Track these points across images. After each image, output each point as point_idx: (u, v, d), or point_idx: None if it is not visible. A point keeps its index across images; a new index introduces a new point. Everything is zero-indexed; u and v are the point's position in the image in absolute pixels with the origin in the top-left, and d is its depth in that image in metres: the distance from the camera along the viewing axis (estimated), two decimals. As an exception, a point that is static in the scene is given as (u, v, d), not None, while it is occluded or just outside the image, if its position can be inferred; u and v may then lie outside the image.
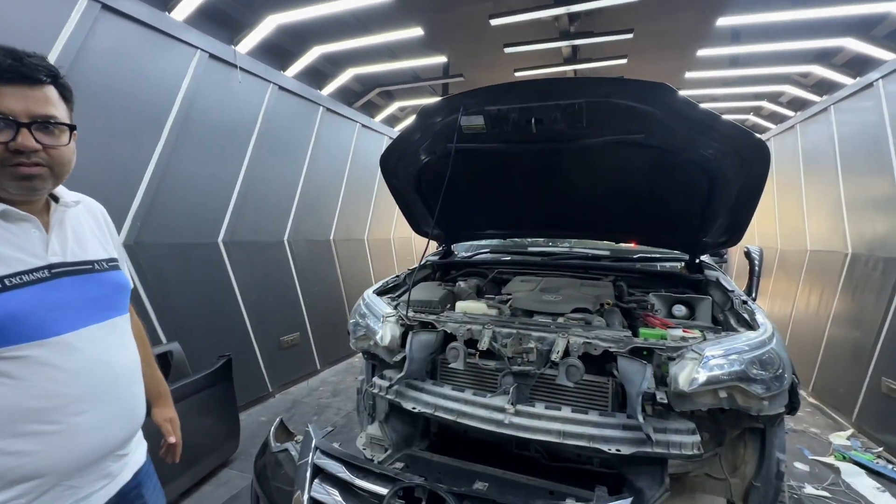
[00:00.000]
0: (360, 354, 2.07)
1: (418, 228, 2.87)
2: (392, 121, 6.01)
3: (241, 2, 3.23)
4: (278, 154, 3.94)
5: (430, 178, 2.31)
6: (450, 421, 1.59)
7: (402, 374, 1.65)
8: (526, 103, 1.66)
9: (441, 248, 3.17)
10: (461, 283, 2.58)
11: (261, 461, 1.57)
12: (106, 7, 2.52)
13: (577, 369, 1.56)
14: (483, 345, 1.64)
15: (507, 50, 3.84)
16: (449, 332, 1.78)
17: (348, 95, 4.98)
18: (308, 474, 1.32)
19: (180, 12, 2.93)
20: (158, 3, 2.86)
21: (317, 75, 4.38)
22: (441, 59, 4.04)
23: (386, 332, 1.78)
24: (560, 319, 1.84)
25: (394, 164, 2.28)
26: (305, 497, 1.28)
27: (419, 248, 7.18)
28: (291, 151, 4.13)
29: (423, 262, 2.85)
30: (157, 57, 2.86)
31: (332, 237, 4.78)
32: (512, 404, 1.55)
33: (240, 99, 3.51)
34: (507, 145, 1.93)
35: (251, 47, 3.48)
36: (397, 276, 2.57)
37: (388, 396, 1.66)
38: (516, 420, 1.52)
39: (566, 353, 1.59)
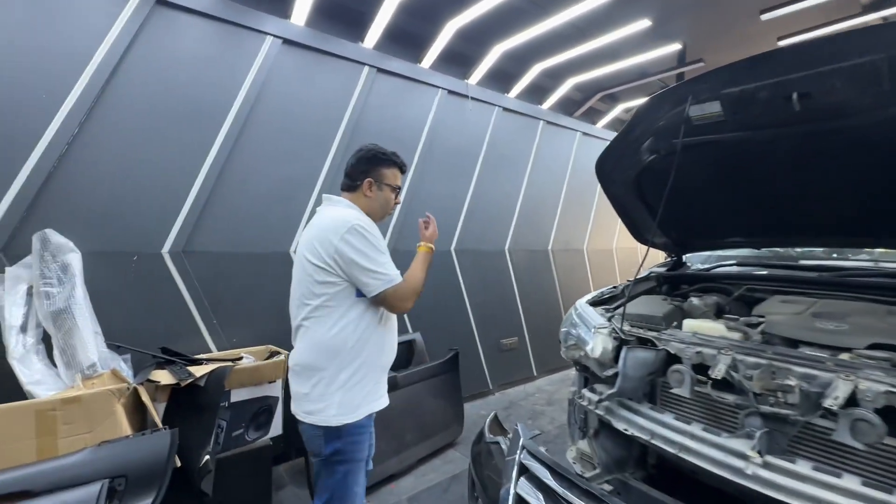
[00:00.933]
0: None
1: (640, 237, 2.62)
2: (617, 124, 5.67)
3: (471, 40, 3.68)
4: (501, 170, 4.28)
5: (653, 180, 2.09)
6: (670, 454, 1.39)
7: (613, 390, 1.54)
8: (782, 76, 1.32)
9: (669, 259, 2.81)
10: (694, 300, 2.22)
11: (476, 448, 1.72)
12: (380, 70, 3.30)
13: (871, 427, 1.12)
14: (717, 372, 1.37)
15: (765, 16, 3.09)
16: (672, 352, 1.56)
17: (568, 105, 4.98)
18: (514, 472, 1.38)
19: (427, 60, 3.56)
20: (411, 57, 3.55)
21: (537, 91, 4.55)
22: (674, 48, 3.59)
23: (597, 344, 1.70)
24: (844, 356, 1.36)
25: (610, 168, 2.16)
26: (511, 492, 1.34)
27: (648, 259, 6.48)
28: (513, 166, 4.41)
29: (647, 274, 2.59)
30: (411, 100, 3.55)
31: (549, 247, 4.85)
32: (759, 453, 1.24)
33: (470, 124, 3.99)
34: (752, 133, 1.57)
35: (479, 78, 3.91)
36: (614, 287, 2.41)
37: (597, 411, 1.57)
38: (765, 474, 1.21)
39: (851, 402, 1.17)
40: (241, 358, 2.24)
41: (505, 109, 4.27)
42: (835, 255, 2.34)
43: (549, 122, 4.72)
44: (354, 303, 1.35)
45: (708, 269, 2.54)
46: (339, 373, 1.33)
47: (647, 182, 2.13)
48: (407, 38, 3.50)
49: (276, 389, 2.25)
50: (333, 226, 1.33)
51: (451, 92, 3.78)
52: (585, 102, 4.88)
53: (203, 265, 2.48)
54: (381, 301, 1.37)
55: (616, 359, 1.67)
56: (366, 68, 3.22)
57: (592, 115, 5.31)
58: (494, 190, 4.21)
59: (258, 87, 2.68)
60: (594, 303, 2.24)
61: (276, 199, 2.78)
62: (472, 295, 3.99)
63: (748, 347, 1.44)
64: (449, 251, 3.87)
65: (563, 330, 2.13)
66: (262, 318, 2.68)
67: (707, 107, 1.52)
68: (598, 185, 5.51)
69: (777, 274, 2.21)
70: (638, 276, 2.58)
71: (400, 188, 1.54)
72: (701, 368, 1.47)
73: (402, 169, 1.54)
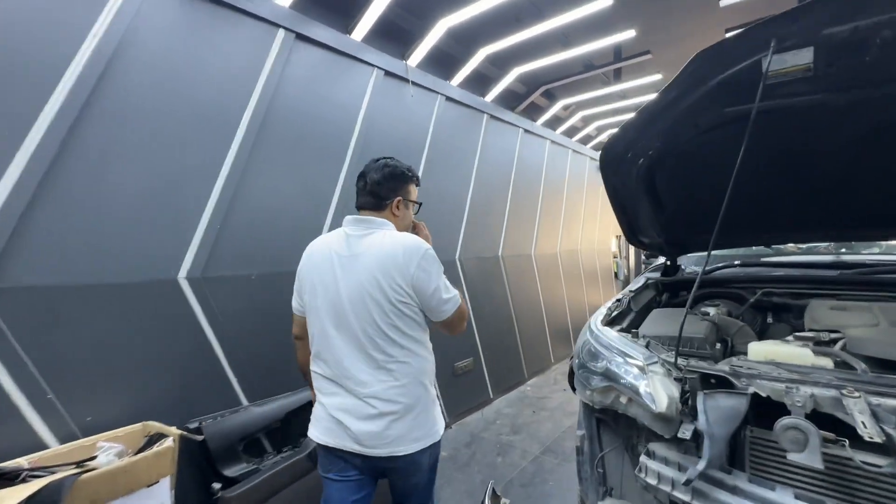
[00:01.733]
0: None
1: (634, 237, 2.24)
2: (554, 123, 5.46)
3: (411, 12, 3.10)
4: (448, 168, 3.74)
5: (674, 166, 1.69)
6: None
7: (704, 462, 1.05)
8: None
9: (660, 263, 2.48)
10: (710, 310, 1.86)
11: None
12: (299, 36, 2.58)
13: None
14: (867, 429, 0.94)
15: (724, 2, 2.98)
16: (764, 395, 1.12)
17: (510, 99, 4.62)
18: None
19: (359, 33, 2.91)
20: (339, 25, 2.87)
21: (481, 81, 4.11)
22: (628, 35, 3.36)
23: (659, 393, 1.20)
24: None
25: (619, 153, 1.73)
26: None
27: (586, 261, 6.40)
28: (459, 164, 3.90)
29: (644, 282, 2.21)
30: (342, 79, 2.86)
31: (500, 253, 4.42)
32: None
33: (412, 114, 3.39)
34: (834, 96, 1.21)
35: (420, 59, 3.35)
36: (618, 301, 1.98)
37: (683, 498, 1.07)
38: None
39: None
40: (93, 457, 1.39)
41: (448, 99, 3.75)
42: (844, 250, 2.17)
43: (493, 117, 4.30)
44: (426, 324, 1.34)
45: (709, 272, 2.23)
46: (431, 390, 1.34)
47: (665, 170, 1.73)
48: (332, 1, 2.83)
49: (160, 495, 1.44)
50: (405, 252, 1.24)
51: (388, 73, 3.16)
52: (528, 96, 4.56)
53: None
54: (448, 324, 1.34)
55: (684, 410, 1.19)
56: (280, 32, 2.48)
57: (532, 112, 5.03)
58: (442, 190, 3.65)
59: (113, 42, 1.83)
60: (606, 323, 1.78)
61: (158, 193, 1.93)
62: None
63: (877, 384, 1.04)
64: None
65: (576, 364, 1.62)
66: (136, 374, 1.81)
67: (794, 56, 1.11)
68: (543, 186, 5.30)
69: (793, 274, 1.93)
70: (642, 284, 2.18)
71: (420, 204, 1.50)
72: (814, 417, 1.05)
73: (420, 184, 1.49)
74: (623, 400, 1.34)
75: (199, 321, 2.04)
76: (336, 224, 2.74)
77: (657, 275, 2.30)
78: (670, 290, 2.23)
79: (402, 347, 1.24)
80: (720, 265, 2.24)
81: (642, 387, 1.24)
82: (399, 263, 1.21)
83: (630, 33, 3.34)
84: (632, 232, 2.16)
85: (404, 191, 1.39)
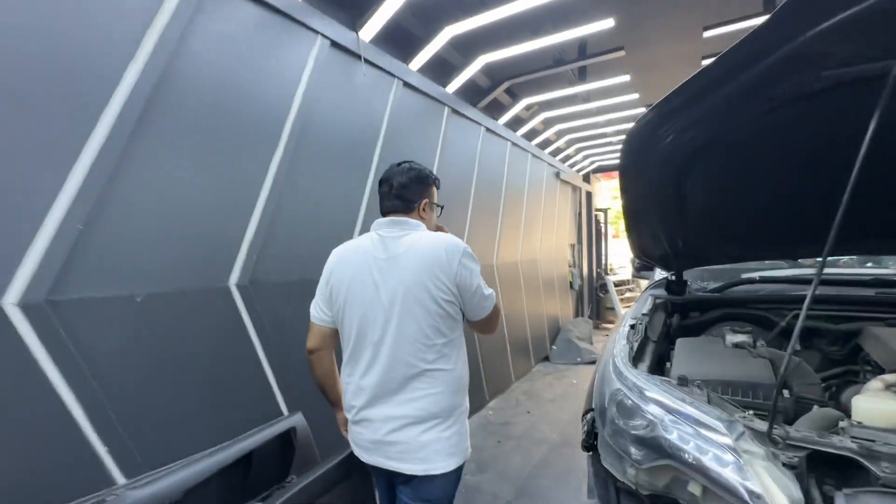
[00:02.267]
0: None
1: (641, 248, 1.86)
2: (515, 124, 5.13)
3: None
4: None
5: (719, 156, 1.32)
6: None
7: None
8: None
9: (660, 279, 2.14)
10: (739, 337, 1.51)
11: None
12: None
13: None
14: None
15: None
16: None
17: (473, 93, 4.21)
18: None
19: (300, -9, 2.34)
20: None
21: (443, 68, 3.65)
22: (606, 24, 3.07)
23: (775, 497, 0.77)
24: None
25: (647, 138, 1.33)
26: None
27: (544, 270, 6.14)
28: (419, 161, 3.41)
29: (651, 301, 1.83)
30: (276, 44, 2.26)
31: None
32: None
33: (363, 98, 2.85)
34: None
35: (374, 34, 2.83)
36: (632, 328, 1.57)
37: None
38: None
39: None
40: None
41: (407, 85, 3.25)
42: (869, 265, 1.94)
43: (455, 111, 3.86)
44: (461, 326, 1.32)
45: (721, 289, 1.91)
46: (466, 401, 1.32)
47: (704, 162, 1.35)
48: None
49: None
50: (447, 250, 1.22)
51: (335, 44, 2.60)
52: (492, 91, 4.18)
53: None
54: (486, 322, 1.34)
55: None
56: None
57: (493, 111, 4.66)
58: (450, 201, 3.14)
59: None
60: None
61: None
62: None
63: None
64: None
65: (599, 421, 1.18)
66: None
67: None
68: (505, 191, 4.93)
69: (829, 294, 1.64)
70: (651, 307, 1.81)
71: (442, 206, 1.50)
72: None
73: (439, 186, 1.47)
74: (695, 490, 0.90)
75: (247, 329, 2.01)
76: (267, 220, 2.13)
77: (661, 291, 1.94)
78: (680, 311, 1.88)
79: (441, 354, 1.23)
80: (734, 282, 1.92)
81: (742, 481, 0.81)
82: (442, 261, 1.20)
83: (608, 23, 3.05)
84: (640, 238, 1.78)
85: (429, 193, 1.39)
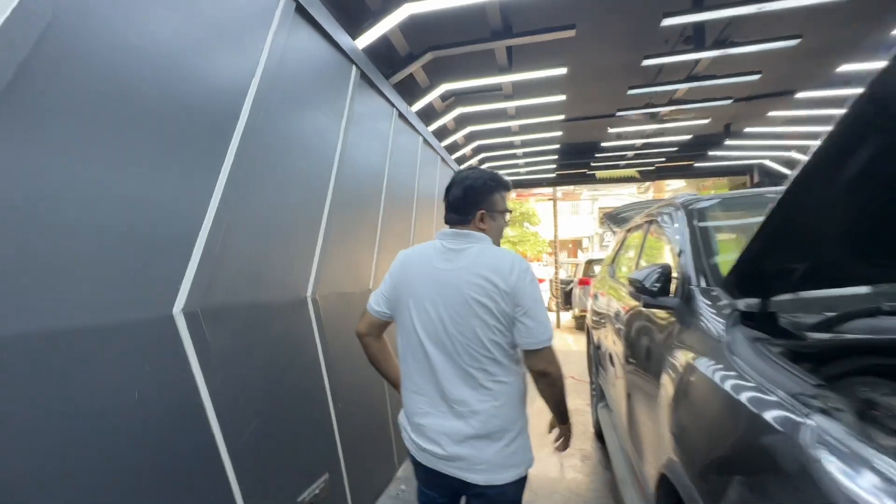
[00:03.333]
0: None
1: (750, 263, 1.11)
2: (425, 118, 4.28)
3: None
4: (297, 146, 2.11)
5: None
6: None
7: None
8: None
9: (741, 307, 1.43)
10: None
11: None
12: None
13: None
14: None
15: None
16: None
17: (386, 60, 3.24)
18: None
19: None
20: None
21: (354, 11, 2.61)
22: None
23: None
24: None
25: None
26: None
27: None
28: (317, 145, 2.29)
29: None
30: None
31: (371, 286, 2.89)
32: None
33: (221, 21, 1.67)
34: None
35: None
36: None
37: None
38: None
39: None
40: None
41: (302, 14, 2.14)
42: None
43: (365, 77, 2.84)
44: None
45: (833, 324, 1.25)
46: (525, 414, 1.33)
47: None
48: None
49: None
50: (509, 262, 1.24)
51: None
52: (412, 62, 3.26)
53: None
54: (543, 359, 1.26)
55: None
56: None
57: (406, 92, 3.74)
58: (286, 183, 1.99)
59: None
60: None
61: None
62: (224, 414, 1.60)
63: None
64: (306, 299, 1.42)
65: None
66: None
67: None
68: (416, 197, 4.02)
69: None
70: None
71: (510, 210, 1.44)
72: None
73: (509, 190, 1.42)
74: None
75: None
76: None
77: (748, 332, 1.22)
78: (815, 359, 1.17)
79: (502, 365, 1.24)
80: (851, 312, 1.29)
81: None
82: (503, 272, 1.21)
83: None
84: (764, 250, 1.02)
85: (488, 203, 1.35)
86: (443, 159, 4.95)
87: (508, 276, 1.19)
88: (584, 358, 6.07)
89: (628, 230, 3.36)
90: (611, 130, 6.42)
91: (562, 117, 5.16)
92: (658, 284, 1.52)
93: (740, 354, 1.13)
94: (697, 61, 4.15)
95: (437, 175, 4.75)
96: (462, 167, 6.45)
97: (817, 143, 0.79)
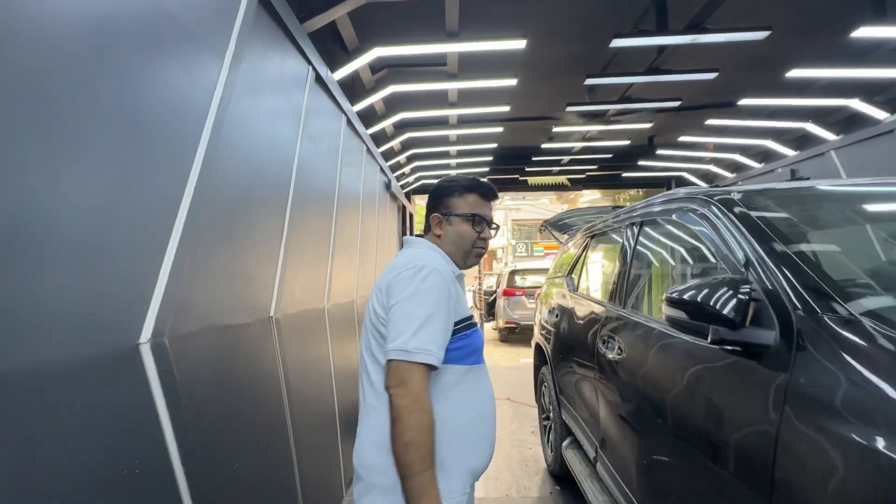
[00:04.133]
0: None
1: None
2: (351, 91, 3.51)
3: None
4: (251, 130, 1.70)
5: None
6: None
7: None
8: None
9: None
10: None
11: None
12: None
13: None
14: None
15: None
16: None
17: (333, 52, 2.57)
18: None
19: None
20: None
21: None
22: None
23: None
24: None
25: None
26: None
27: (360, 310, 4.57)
28: (276, 140, 1.87)
29: None
30: None
31: (325, 304, 2.19)
32: None
33: None
34: None
35: None
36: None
37: None
38: None
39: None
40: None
41: None
42: None
43: (316, 76, 2.19)
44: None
45: None
46: (396, 480, 0.93)
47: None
48: None
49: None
50: (399, 262, 1.08)
51: None
52: (361, 52, 2.57)
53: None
54: (387, 375, 0.96)
55: None
56: None
57: (352, 91, 2.98)
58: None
59: None
60: None
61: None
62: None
63: None
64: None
65: None
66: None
67: None
68: (362, 204, 3.27)
69: None
70: None
71: (481, 217, 1.18)
72: None
73: (484, 194, 1.20)
74: None
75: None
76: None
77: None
78: None
79: (373, 386, 1.03)
80: None
81: None
82: (390, 271, 1.06)
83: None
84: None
85: (442, 206, 1.19)
86: (368, 149, 4.20)
87: (389, 274, 1.05)
88: (515, 375, 5.60)
89: (592, 236, 2.86)
90: (557, 130, 6.27)
91: (507, 108, 4.99)
92: (736, 310, 0.96)
93: None
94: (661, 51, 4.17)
95: (362, 168, 4.00)
96: (389, 163, 5.74)
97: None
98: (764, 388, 0.91)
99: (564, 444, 2.63)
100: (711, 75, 4.20)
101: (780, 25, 3.43)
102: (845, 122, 5.84)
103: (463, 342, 1.04)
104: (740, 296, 0.97)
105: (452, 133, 5.85)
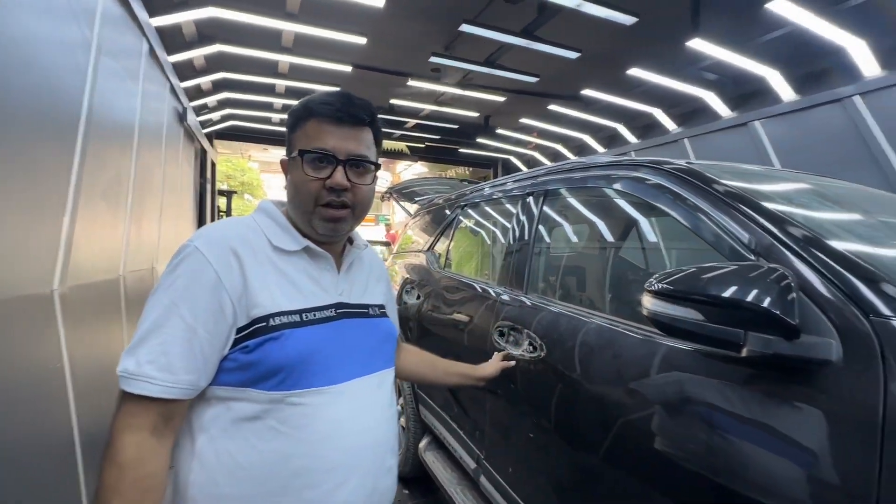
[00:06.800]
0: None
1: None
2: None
3: None
4: None
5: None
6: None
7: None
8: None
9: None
10: None
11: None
12: None
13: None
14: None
15: None
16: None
17: None
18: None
19: None
20: None
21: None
22: None
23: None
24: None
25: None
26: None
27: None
28: None
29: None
30: None
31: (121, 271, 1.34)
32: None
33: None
34: None
35: None
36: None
37: None
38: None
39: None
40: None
41: None
42: None
43: None
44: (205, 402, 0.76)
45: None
46: None
47: None
48: None
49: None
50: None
51: None
52: None
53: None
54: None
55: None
56: None
57: None
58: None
59: None
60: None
61: None
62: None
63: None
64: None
65: None
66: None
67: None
68: (164, 144, 2.20)
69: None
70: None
71: (321, 153, 0.79)
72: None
73: (329, 115, 0.81)
74: None
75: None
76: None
77: None
78: None
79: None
80: None
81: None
82: None
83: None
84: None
85: (289, 144, 0.86)
86: (151, 48, 2.95)
87: None
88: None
89: (462, 206, 2.53)
90: (411, 83, 5.97)
91: (349, 69, 4.75)
92: (792, 311, 0.68)
93: None
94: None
95: (139, 83, 2.79)
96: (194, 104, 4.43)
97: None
98: (839, 426, 0.66)
99: (422, 444, 2.27)
100: (574, 55, 4.52)
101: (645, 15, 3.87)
102: (644, 128, 7.04)
103: (254, 356, 0.73)
104: (791, 293, 0.70)
105: (282, 82, 5.02)
